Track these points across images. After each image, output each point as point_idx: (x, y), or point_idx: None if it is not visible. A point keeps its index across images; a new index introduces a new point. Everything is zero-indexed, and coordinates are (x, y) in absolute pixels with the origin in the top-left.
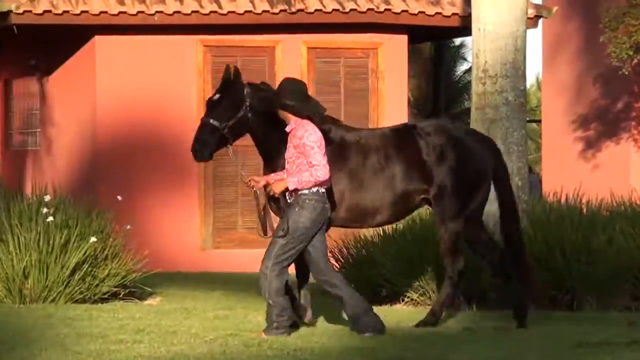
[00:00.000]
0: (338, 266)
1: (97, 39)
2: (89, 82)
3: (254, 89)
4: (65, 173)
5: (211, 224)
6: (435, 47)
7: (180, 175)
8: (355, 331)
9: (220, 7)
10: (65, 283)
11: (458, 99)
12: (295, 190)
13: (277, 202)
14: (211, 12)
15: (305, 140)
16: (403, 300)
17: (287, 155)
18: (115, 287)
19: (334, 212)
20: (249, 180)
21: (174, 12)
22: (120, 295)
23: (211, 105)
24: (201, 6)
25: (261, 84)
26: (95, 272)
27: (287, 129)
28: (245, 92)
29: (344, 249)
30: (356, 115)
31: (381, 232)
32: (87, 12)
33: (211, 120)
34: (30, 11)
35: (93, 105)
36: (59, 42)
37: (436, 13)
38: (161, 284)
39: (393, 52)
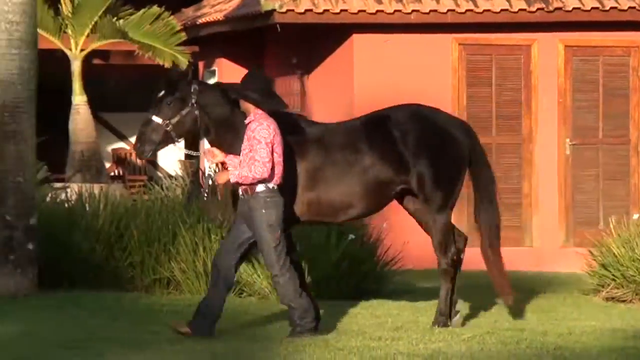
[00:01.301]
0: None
1: (355, 37)
2: (347, 80)
3: (204, 86)
4: None
5: (465, 221)
6: None
7: None
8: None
9: (476, 5)
10: (325, 280)
11: None
12: (249, 186)
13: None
14: (467, 10)
15: (256, 134)
16: None
17: (242, 146)
18: (373, 284)
19: (301, 207)
20: (211, 151)
21: (430, 10)
22: (376, 292)
23: (155, 101)
24: (457, 5)
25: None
26: (352, 269)
27: (246, 121)
28: (192, 89)
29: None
30: (616, 114)
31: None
32: (346, 10)
33: (153, 117)
34: (293, 10)
35: (351, 104)
36: (318, 40)
37: None
38: (416, 281)
39: None
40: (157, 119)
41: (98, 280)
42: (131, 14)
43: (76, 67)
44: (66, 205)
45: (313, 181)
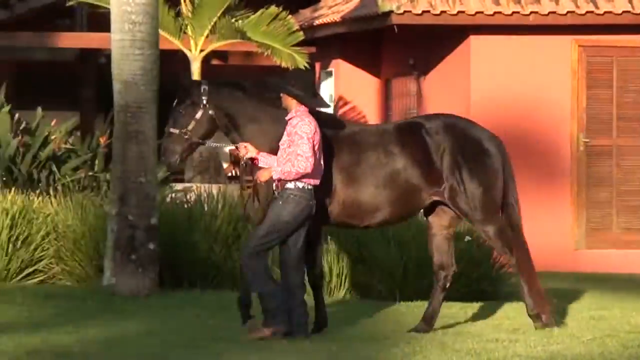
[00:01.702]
0: None
1: (472, 38)
2: (463, 82)
3: (215, 86)
4: None
5: (584, 224)
6: None
7: (552, 175)
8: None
9: (596, 7)
10: None
11: None
12: (282, 181)
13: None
14: (587, 12)
15: (297, 129)
16: None
17: (280, 142)
18: (489, 286)
19: (331, 207)
20: (245, 146)
21: (549, 12)
22: (492, 294)
23: (171, 112)
24: (577, 6)
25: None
26: (468, 271)
27: (287, 117)
28: (201, 90)
29: None
30: None
31: None
32: (463, 12)
33: (171, 129)
34: (410, 11)
35: (467, 106)
36: (434, 41)
37: None
38: None
39: None
40: (174, 130)
41: (217, 280)
42: (248, 15)
43: (195, 67)
44: (185, 206)
45: (348, 180)
